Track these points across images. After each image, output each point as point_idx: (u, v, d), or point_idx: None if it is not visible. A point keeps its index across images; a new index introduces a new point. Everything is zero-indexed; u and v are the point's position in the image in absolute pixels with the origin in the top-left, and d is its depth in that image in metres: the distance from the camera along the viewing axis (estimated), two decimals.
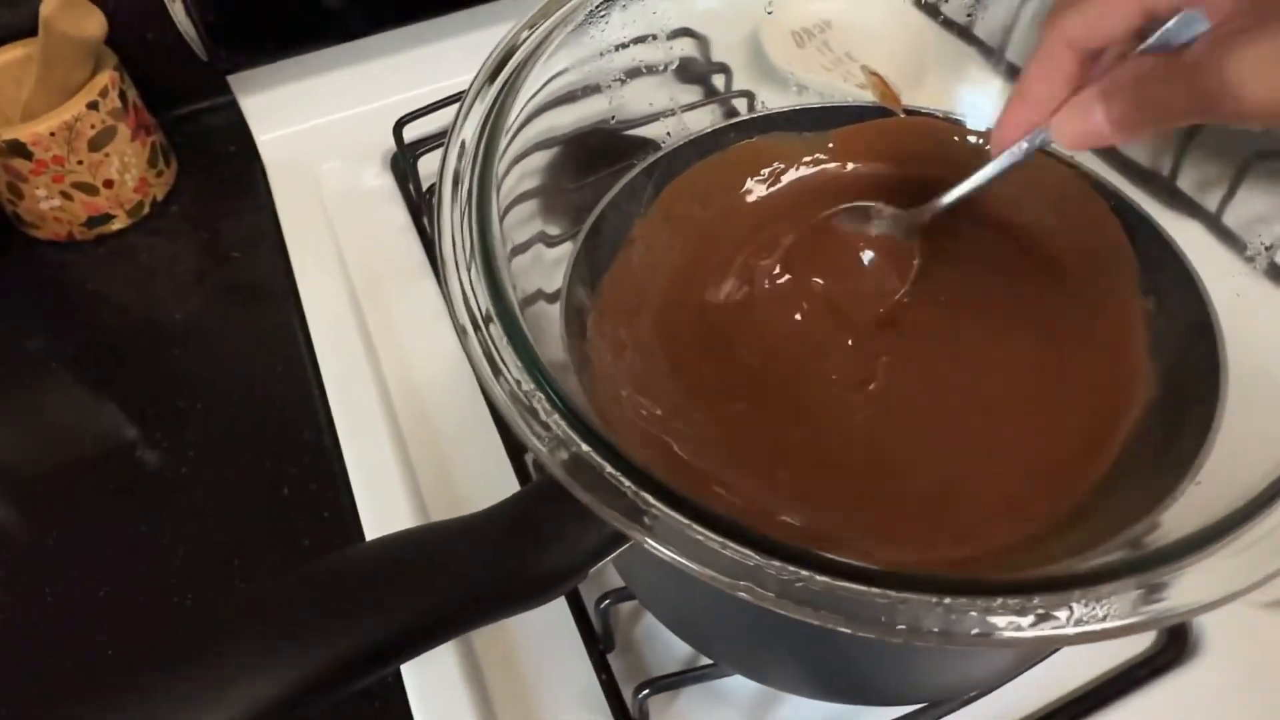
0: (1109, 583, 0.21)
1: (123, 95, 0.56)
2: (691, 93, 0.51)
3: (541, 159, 0.36)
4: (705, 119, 0.44)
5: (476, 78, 0.31)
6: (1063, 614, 0.21)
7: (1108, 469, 0.30)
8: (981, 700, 0.36)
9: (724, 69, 0.54)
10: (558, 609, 0.40)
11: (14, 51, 0.56)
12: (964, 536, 0.29)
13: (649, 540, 0.22)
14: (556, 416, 0.24)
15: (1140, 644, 0.39)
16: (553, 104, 0.33)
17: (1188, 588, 0.21)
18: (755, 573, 0.21)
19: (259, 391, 0.50)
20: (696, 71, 0.52)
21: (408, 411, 0.49)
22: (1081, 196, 0.36)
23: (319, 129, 0.63)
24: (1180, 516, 0.27)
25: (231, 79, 0.61)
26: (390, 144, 0.60)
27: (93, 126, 0.54)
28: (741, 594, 0.21)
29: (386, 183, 0.61)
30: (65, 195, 0.55)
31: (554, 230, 0.35)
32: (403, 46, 0.63)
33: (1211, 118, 0.24)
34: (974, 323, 0.33)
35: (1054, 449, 0.31)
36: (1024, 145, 0.30)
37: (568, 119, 0.35)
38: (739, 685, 0.38)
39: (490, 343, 0.26)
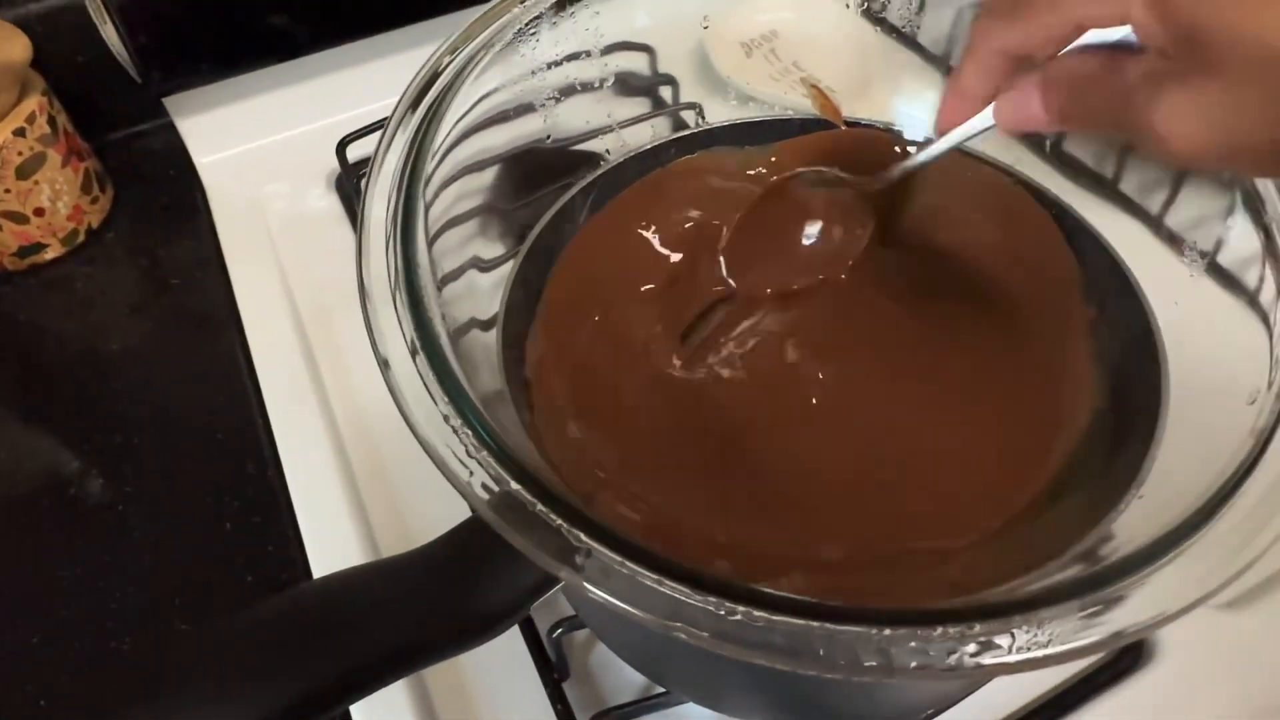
0: (1051, 606, 0.21)
1: (52, 120, 0.54)
2: (638, 105, 0.51)
3: (477, 181, 0.35)
4: (647, 133, 0.43)
5: (398, 105, 0.30)
6: (1004, 641, 0.20)
7: (1053, 479, 0.30)
8: (938, 718, 0.36)
9: (670, 80, 0.54)
10: (511, 638, 0.39)
11: None
12: (902, 555, 0.28)
13: (582, 581, 0.22)
14: (485, 454, 0.23)
15: None
16: (482, 126, 0.33)
17: (1134, 605, 0.21)
18: (690, 611, 0.21)
19: (200, 423, 0.49)
20: (642, 84, 0.51)
21: (355, 441, 0.47)
22: (1023, 208, 0.36)
23: (260, 150, 0.62)
24: (1129, 528, 0.26)
25: (167, 101, 0.60)
26: (334, 164, 0.59)
27: (20, 154, 0.52)
28: (678, 634, 0.21)
29: (331, 204, 0.60)
30: None
31: (491, 254, 0.34)
32: (344, 64, 0.62)
33: (1137, 141, 0.23)
34: (917, 336, 0.33)
35: (999, 460, 0.31)
36: (960, 131, 0.29)
37: (500, 139, 0.34)
38: (695, 713, 0.37)
39: (417, 375, 0.25)
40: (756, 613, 0.21)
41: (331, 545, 0.42)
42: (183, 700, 0.25)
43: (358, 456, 0.47)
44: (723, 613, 0.21)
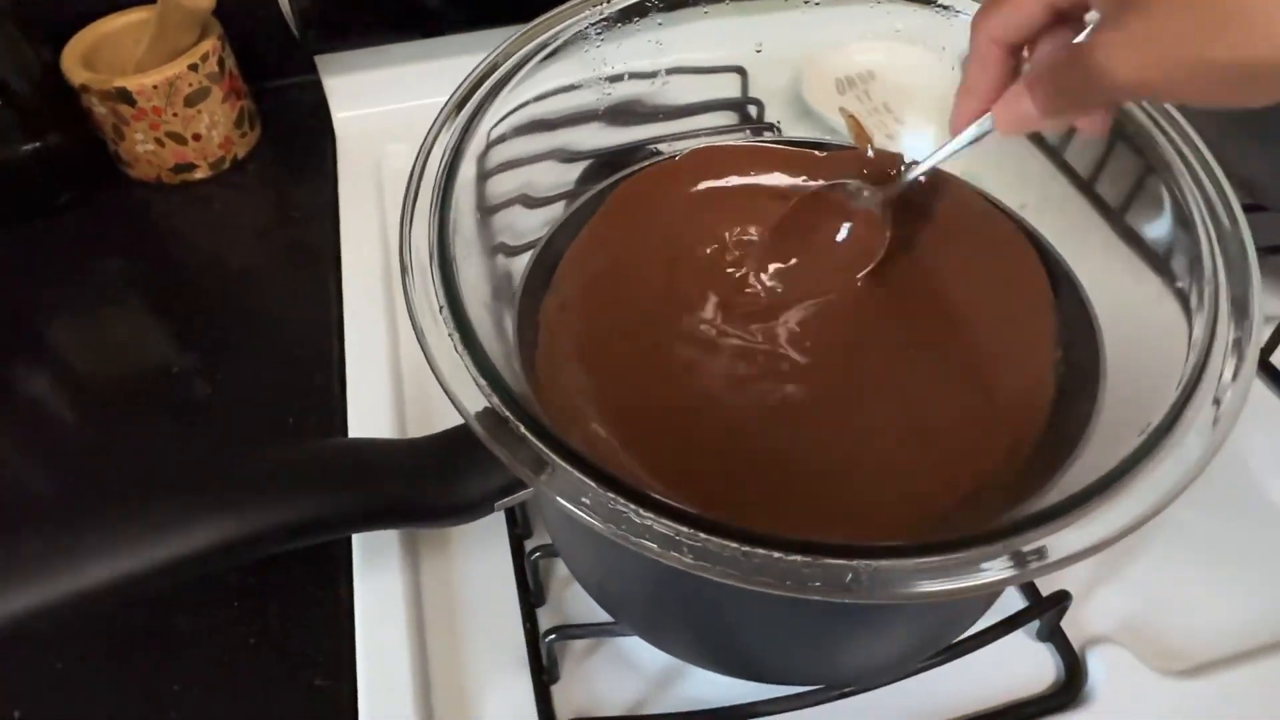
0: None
1: (221, 62, 0.63)
2: (721, 118, 0.55)
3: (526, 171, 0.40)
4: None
5: (448, 103, 0.35)
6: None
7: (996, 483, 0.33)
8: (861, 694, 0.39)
9: (758, 103, 0.58)
10: (502, 560, 0.44)
11: (137, 14, 0.64)
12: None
13: (538, 481, 0.26)
14: (476, 371, 0.28)
15: (1036, 684, 0.41)
16: (524, 130, 0.38)
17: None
18: (628, 523, 0.25)
19: (287, 337, 0.56)
20: (729, 103, 0.56)
21: (412, 381, 0.53)
22: (1016, 249, 0.38)
23: (389, 114, 0.70)
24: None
25: (318, 59, 0.68)
26: None
27: (190, 85, 0.61)
28: (618, 539, 0.24)
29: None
30: (159, 142, 0.63)
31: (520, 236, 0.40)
32: (478, 49, 0.68)
33: (1102, 97, 0.27)
34: (899, 351, 0.36)
35: (952, 464, 0.34)
36: (973, 130, 0.34)
37: (546, 143, 0.40)
38: (650, 656, 0.41)
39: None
40: (682, 527, 0.24)
41: None
42: (205, 499, 0.31)
43: (412, 394, 0.53)
44: (654, 525, 0.24)
